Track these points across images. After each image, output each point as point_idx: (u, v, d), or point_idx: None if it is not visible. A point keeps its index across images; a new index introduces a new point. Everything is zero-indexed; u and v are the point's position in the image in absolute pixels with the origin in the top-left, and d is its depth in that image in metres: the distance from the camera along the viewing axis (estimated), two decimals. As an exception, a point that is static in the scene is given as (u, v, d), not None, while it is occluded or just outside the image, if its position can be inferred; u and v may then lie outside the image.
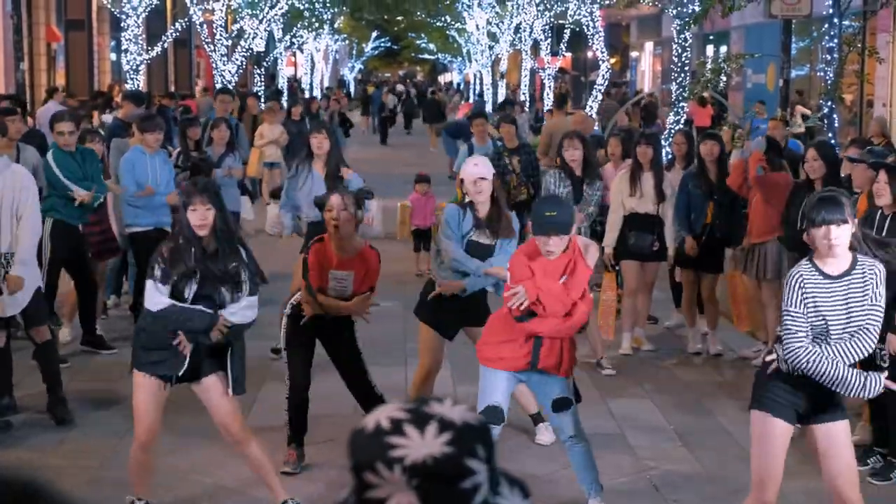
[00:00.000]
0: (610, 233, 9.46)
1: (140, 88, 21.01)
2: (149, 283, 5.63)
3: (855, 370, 4.87)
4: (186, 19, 24.14)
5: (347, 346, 6.65)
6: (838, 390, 4.89)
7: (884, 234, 6.60)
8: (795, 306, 4.88)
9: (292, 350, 6.63)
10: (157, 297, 5.59)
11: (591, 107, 23.75)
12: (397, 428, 1.64)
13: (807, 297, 4.88)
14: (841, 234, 4.83)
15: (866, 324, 4.90)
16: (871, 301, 4.91)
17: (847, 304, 4.89)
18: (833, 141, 12.10)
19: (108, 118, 15.81)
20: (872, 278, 4.91)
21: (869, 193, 6.96)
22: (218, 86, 24.99)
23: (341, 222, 6.34)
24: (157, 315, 5.60)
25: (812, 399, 4.98)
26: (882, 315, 4.96)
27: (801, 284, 4.88)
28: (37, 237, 7.48)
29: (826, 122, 12.87)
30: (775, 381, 5.00)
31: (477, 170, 6.66)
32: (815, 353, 4.84)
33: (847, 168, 8.17)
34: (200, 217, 5.59)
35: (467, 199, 6.73)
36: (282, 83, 40.05)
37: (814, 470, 5.36)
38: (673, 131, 15.79)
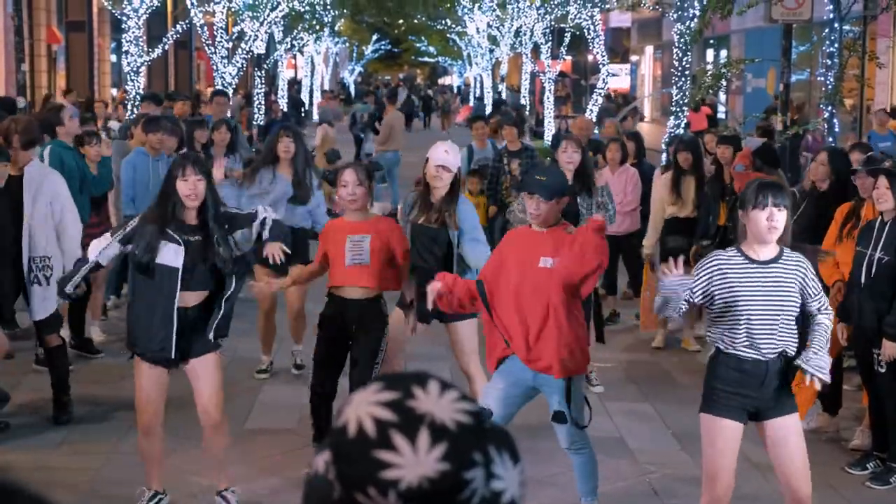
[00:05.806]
0: (651, 235, 9.68)
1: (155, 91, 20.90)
2: (105, 237, 5.68)
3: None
4: (187, 21, 24.11)
5: (364, 347, 6.39)
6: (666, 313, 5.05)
7: (883, 240, 6.59)
8: (698, 277, 4.97)
9: (318, 345, 6.56)
10: (96, 244, 5.64)
11: (591, 110, 23.77)
12: (385, 438, 1.49)
13: (722, 282, 4.94)
14: (782, 219, 4.89)
15: (820, 312, 5.05)
16: (814, 293, 5.03)
17: (773, 289, 4.94)
18: (834, 145, 12.08)
19: (114, 125, 15.82)
20: (804, 269, 5.00)
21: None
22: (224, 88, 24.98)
23: (358, 197, 6.32)
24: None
25: (760, 396, 5.02)
26: (824, 299, 5.10)
27: (718, 267, 4.96)
28: (78, 244, 7.56)
29: (826, 126, 12.87)
30: (721, 384, 5.04)
31: (444, 157, 6.61)
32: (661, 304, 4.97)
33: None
34: (191, 186, 5.50)
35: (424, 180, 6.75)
36: (282, 85, 40.04)
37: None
38: (672, 136, 15.78)
